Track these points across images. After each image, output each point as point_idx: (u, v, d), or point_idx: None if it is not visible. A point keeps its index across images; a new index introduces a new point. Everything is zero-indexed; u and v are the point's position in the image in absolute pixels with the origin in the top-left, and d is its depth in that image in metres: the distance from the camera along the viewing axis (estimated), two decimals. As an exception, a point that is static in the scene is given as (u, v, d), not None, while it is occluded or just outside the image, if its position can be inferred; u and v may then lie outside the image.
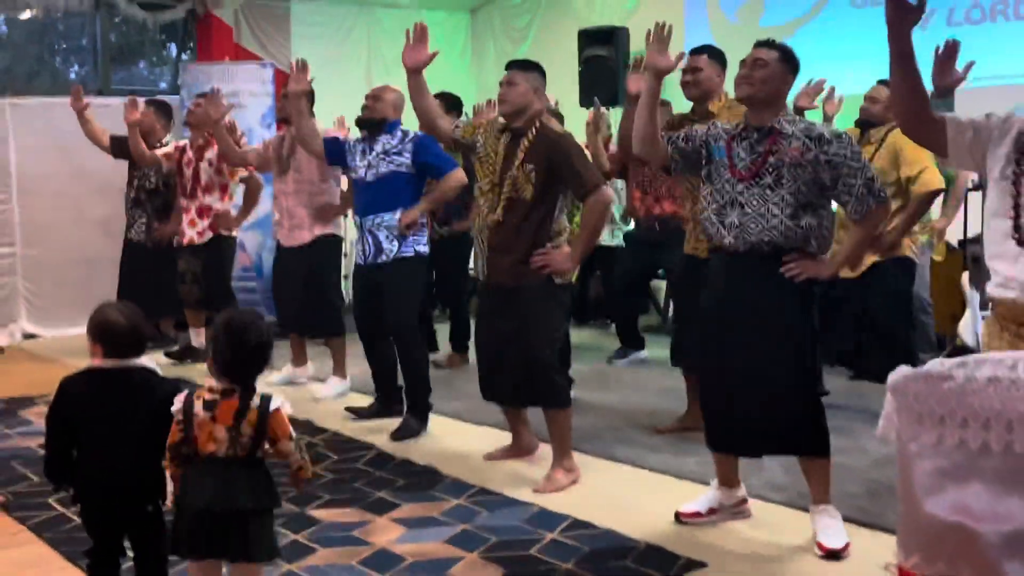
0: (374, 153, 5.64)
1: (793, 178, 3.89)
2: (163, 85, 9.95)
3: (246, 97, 8.94)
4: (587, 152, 5.56)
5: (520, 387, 4.87)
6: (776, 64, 4.00)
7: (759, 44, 4.10)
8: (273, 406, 3.00)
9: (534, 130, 4.73)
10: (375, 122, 5.64)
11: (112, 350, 3.18)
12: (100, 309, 3.23)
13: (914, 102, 3.08)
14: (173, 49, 10.16)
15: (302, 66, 5.79)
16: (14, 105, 8.66)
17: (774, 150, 3.94)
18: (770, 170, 3.93)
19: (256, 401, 3.01)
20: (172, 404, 3.14)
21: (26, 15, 9.24)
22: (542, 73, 4.88)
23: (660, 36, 4.09)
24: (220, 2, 9.48)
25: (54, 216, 8.78)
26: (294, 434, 3.03)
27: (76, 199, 8.84)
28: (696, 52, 5.25)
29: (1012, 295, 2.94)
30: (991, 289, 3.03)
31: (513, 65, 4.90)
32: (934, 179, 5.54)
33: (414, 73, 4.87)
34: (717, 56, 5.25)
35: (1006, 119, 3.03)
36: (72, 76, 9.98)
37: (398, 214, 5.59)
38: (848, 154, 3.89)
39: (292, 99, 5.84)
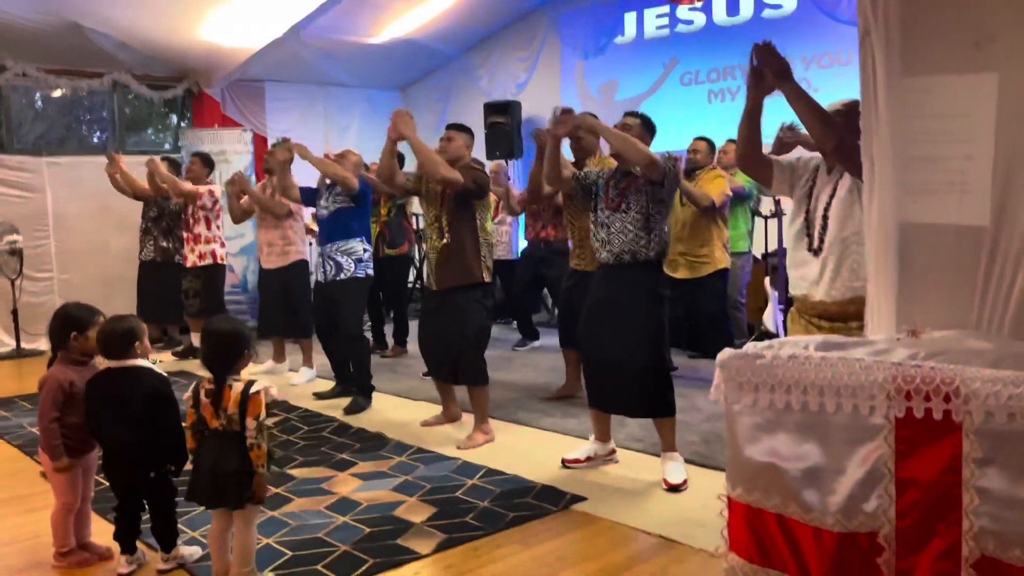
0: (331, 199, 5.59)
1: (636, 201, 3.98)
2: (167, 147, 9.68)
3: (231, 155, 8.75)
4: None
5: (452, 368, 4.84)
6: (638, 128, 4.07)
7: (627, 113, 4.12)
8: (253, 390, 2.90)
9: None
10: None
11: (106, 353, 3.17)
12: (103, 324, 3.23)
13: (752, 147, 3.07)
14: (174, 119, 9.91)
15: (284, 140, 5.88)
16: (50, 163, 8.44)
17: (629, 186, 4.01)
18: (624, 199, 4.01)
19: (240, 386, 2.91)
20: (159, 394, 3.09)
21: (58, 93, 9.03)
22: (472, 135, 4.90)
23: (560, 119, 4.03)
24: (210, 82, 9.32)
25: (83, 247, 8.53)
26: (262, 417, 2.89)
27: (100, 234, 8.58)
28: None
29: (801, 292, 3.00)
30: (791, 289, 3.09)
31: (451, 127, 4.89)
32: (708, 197, 5.94)
33: (396, 141, 4.70)
34: None
35: (810, 159, 3.10)
36: (95, 140, 9.66)
37: (351, 242, 5.52)
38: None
39: (279, 165, 5.96)
